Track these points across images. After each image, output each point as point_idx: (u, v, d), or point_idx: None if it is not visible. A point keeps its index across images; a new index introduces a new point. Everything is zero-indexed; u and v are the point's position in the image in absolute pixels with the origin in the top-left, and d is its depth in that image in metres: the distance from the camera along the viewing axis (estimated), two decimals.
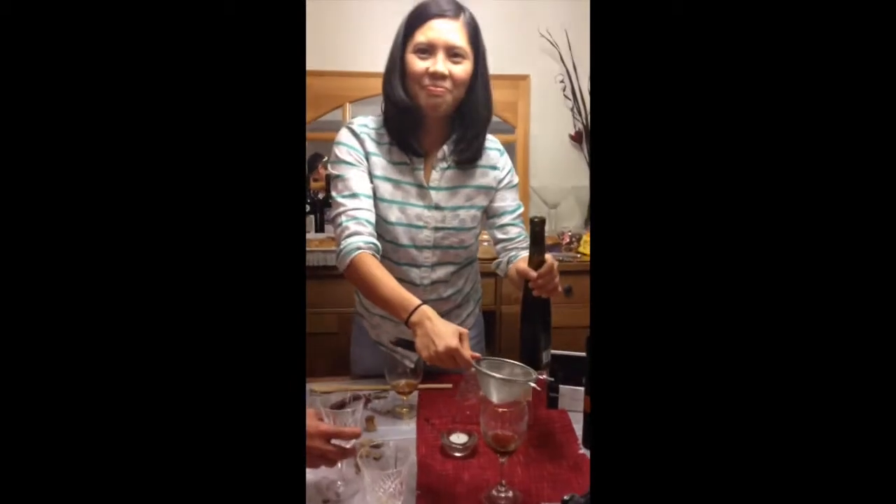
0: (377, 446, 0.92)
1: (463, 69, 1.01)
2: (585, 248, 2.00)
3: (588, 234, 2.05)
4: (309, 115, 2.16)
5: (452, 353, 0.84)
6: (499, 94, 2.21)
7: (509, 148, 1.23)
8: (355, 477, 0.85)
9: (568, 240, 2.04)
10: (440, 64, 0.99)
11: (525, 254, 1.11)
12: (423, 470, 0.88)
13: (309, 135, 2.18)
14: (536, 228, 0.91)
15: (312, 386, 1.16)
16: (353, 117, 1.16)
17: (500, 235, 1.17)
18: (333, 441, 0.79)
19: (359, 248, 0.99)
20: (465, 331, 0.87)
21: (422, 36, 1.00)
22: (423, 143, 1.10)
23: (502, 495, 0.82)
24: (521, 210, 1.19)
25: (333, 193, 1.07)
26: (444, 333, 0.85)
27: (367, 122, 1.10)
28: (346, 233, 1.01)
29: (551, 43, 2.13)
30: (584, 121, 2.19)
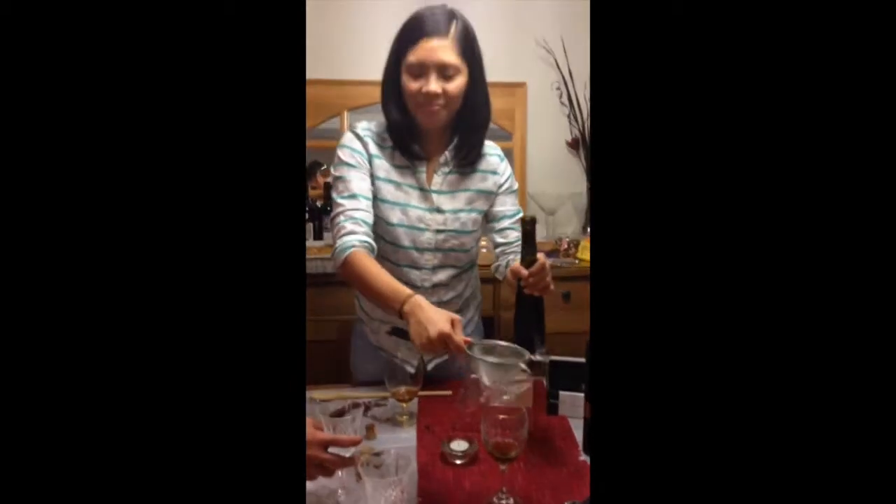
0: (378, 454, 0.92)
1: (456, 85, 1.03)
2: (583, 253, 2.01)
3: (586, 239, 2.05)
4: (307, 123, 2.17)
5: (445, 338, 0.86)
6: (496, 102, 2.22)
7: (507, 155, 1.24)
8: (356, 485, 0.85)
9: (566, 246, 2.05)
10: (432, 84, 1.01)
11: None
12: (424, 477, 0.88)
13: (307, 143, 2.19)
14: (527, 227, 0.93)
15: (312, 394, 1.16)
16: (351, 125, 1.19)
17: (499, 239, 1.19)
18: (332, 449, 0.79)
19: (353, 246, 1.01)
20: (457, 317, 0.90)
21: (413, 57, 1.01)
22: (425, 149, 1.12)
23: (503, 502, 0.82)
24: (521, 215, 1.19)
25: (334, 194, 1.09)
26: (436, 319, 0.87)
27: (370, 125, 1.13)
28: (343, 232, 1.03)
29: (547, 51, 2.15)
30: (581, 128, 2.20)
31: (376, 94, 1.12)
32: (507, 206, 1.18)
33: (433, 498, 0.84)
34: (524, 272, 0.93)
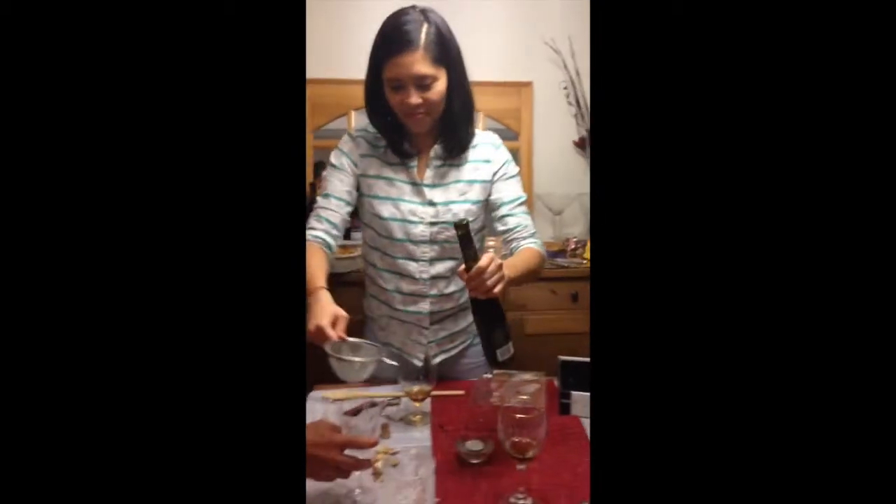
0: (394, 453, 0.92)
1: (436, 91, 1.06)
2: (590, 254, 2.01)
3: None
4: (313, 123, 2.17)
5: (319, 331, 0.91)
6: (501, 101, 2.25)
7: (513, 155, 1.25)
8: (373, 484, 0.85)
9: (573, 246, 2.05)
10: (412, 97, 1.05)
11: (527, 243, 1.15)
12: (442, 477, 0.88)
13: (314, 143, 2.19)
14: (460, 232, 0.91)
15: (324, 393, 1.16)
16: (357, 125, 1.24)
17: (499, 227, 1.19)
18: (347, 451, 0.79)
19: (305, 241, 1.10)
20: (343, 315, 0.95)
21: (389, 72, 1.05)
22: (415, 146, 1.17)
23: (521, 502, 0.82)
24: (522, 199, 1.20)
25: (319, 192, 1.20)
26: (318, 314, 0.94)
27: (368, 126, 1.19)
28: (308, 226, 1.14)
29: (554, 50, 2.15)
30: (588, 127, 2.20)
31: None
32: (503, 192, 1.18)
33: (452, 498, 0.83)
34: (464, 276, 0.93)
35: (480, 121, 2.20)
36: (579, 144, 2.24)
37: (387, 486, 0.73)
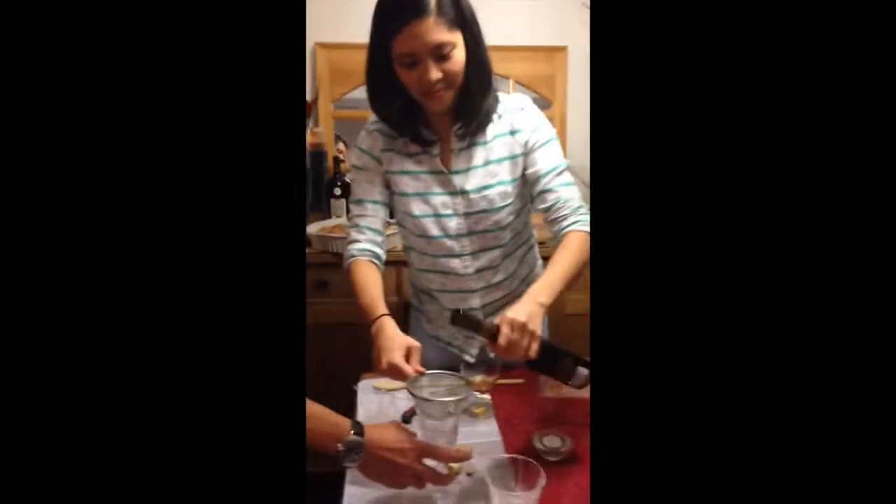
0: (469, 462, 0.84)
1: (455, 61, 0.91)
2: None
3: None
4: (333, 92, 2.04)
5: (394, 369, 0.82)
6: (533, 67, 2.12)
7: None
8: (454, 487, 0.77)
9: None
10: (432, 71, 0.89)
11: (570, 227, 0.98)
12: None
13: (334, 113, 2.07)
14: (460, 322, 0.82)
15: (375, 383, 1.08)
16: (373, 115, 1.09)
17: (540, 206, 1.02)
18: (427, 461, 0.72)
19: (352, 257, 1.02)
20: (416, 345, 0.85)
21: (400, 46, 0.89)
22: (435, 129, 1.02)
23: None
24: (562, 168, 1.01)
25: (350, 198, 1.10)
26: (389, 348, 0.85)
27: None
28: (348, 241, 1.05)
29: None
30: None
31: None
32: (539, 164, 1.01)
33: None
34: (494, 350, 0.83)
35: (510, 88, 2.08)
36: None
37: (495, 497, 0.65)
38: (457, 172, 1.02)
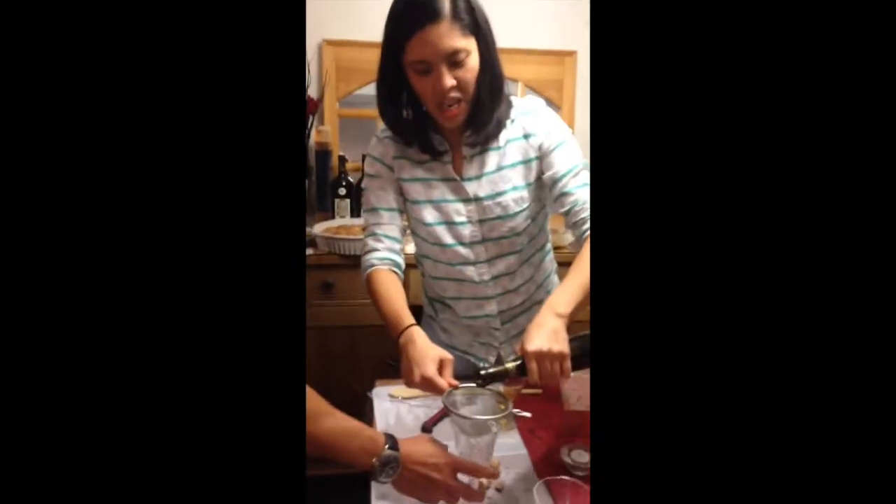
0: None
1: (469, 68, 0.88)
2: None
3: None
4: (340, 91, 2.01)
5: (427, 383, 0.79)
6: (542, 71, 2.11)
7: None
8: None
9: None
10: (445, 78, 0.86)
11: (590, 229, 0.93)
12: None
13: (340, 111, 2.03)
14: (488, 382, 0.78)
15: (392, 391, 1.04)
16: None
17: (559, 210, 0.98)
18: (461, 476, 0.69)
19: (372, 266, 0.99)
20: (448, 356, 0.82)
21: (414, 54, 0.86)
22: (446, 137, 0.99)
23: None
24: (579, 168, 0.97)
25: (363, 207, 1.06)
26: (421, 360, 0.81)
27: None
28: (365, 250, 1.02)
29: None
30: None
31: None
32: (556, 166, 0.97)
33: None
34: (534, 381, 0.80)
35: (519, 92, 2.06)
36: None
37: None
38: (469, 179, 0.99)
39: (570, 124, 2.09)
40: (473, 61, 0.89)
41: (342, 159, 1.91)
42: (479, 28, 0.89)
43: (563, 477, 0.68)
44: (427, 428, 0.93)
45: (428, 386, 0.79)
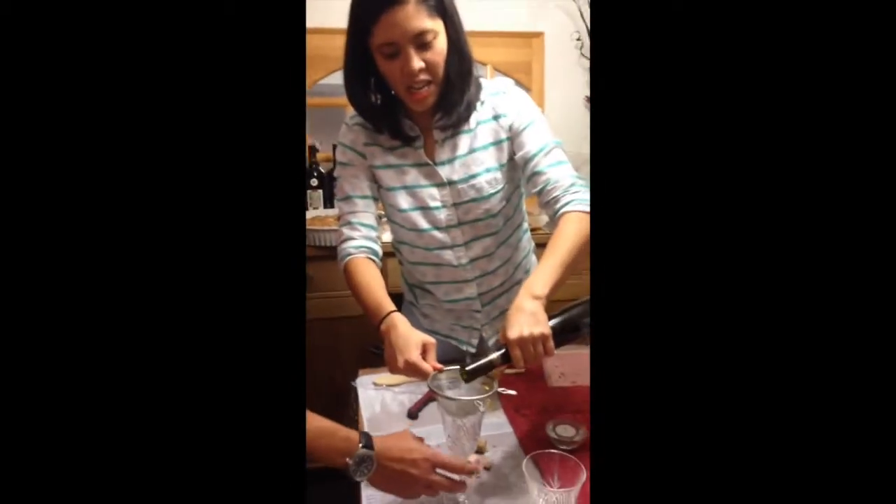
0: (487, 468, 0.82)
1: (437, 50, 0.88)
2: None
3: None
4: (308, 78, 1.97)
5: (411, 367, 0.79)
6: (510, 54, 2.10)
7: None
8: (473, 483, 0.75)
9: None
10: (413, 60, 0.86)
11: (564, 207, 0.93)
12: None
13: (310, 101, 2.00)
14: (474, 377, 0.77)
15: (376, 379, 1.04)
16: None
17: (532, 190, 0.98)
18: (440, 470, 0.69)
19: (349, 255, 0.98)
20: (431, 341, 0.82)
21: (381, 36, 0.85)
22: (417, 121, 0.99)
23: None
24: (550, 147, 0.96)
25: (337, 196, 1.06)
26: (404, 346, 0.81)
27: None
28: (341, 238, 1.00)
29: None
30: None
31: None
32: (527, 146, 0.96)
33: None
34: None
35: (488, 74, 2.05)
36: None
37: (533, 490, 0.63)
38: (442, 163, 0.99)
39: (540, 105, 2.09)
40: (441, 43, 0.88)
41: (312, 150, 1.89)
42: (445, 9, 0.88)
43: (550, 451, 0.69)
44: (413, 414, 0.93)
45: (412, 371, 0.79)
